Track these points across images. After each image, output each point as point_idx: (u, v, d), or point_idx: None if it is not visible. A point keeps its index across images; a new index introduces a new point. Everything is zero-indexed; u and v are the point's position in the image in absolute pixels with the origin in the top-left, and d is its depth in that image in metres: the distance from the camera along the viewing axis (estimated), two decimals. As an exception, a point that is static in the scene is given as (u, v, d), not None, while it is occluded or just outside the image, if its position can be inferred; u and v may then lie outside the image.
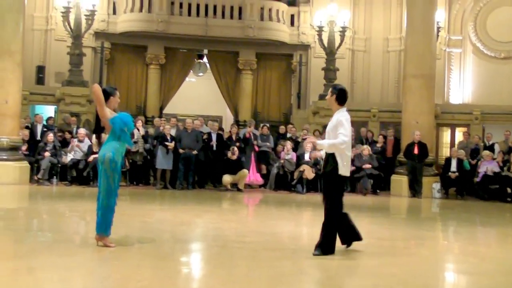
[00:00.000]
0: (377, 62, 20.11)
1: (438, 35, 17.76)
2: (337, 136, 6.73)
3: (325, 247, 6.76)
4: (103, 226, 6.75)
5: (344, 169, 6.82)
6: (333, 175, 6.80)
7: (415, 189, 15.39)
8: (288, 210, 12.51)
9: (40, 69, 18.49)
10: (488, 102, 18.62)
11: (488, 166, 15.52)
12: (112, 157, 6.74)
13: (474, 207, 14.18)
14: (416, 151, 15.45)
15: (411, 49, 16.09)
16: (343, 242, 7.08)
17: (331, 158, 6.81)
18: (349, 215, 7.10)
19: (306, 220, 11.34)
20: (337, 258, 6.75)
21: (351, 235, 7.10)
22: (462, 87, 19.53)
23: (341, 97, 6.95)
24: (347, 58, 19.88)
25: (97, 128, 7.09)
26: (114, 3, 19.52)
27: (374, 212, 12.59)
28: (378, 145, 16.78)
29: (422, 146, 15.51)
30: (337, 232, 6.89)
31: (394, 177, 16.00)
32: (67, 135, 15.62)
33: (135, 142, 14.52)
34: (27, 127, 15.57)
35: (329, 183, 6.89)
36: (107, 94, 6.89)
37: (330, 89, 7.06)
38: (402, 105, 16.58)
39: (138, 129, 14.96)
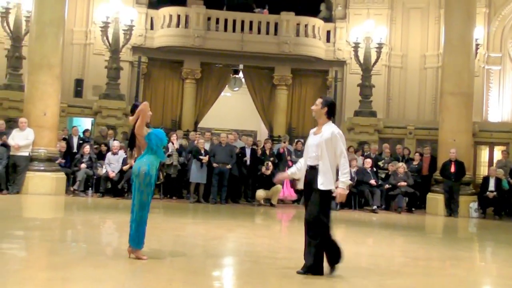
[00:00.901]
0: (413, 79, 19.86)
1: (476, 52, 17.48)
2: (336, 153, 6.45)
3: (314, 268, 6.61)
4: (136, 239, 6.80)
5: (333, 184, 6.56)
6: (325, 191, 6.54)
7: (451, 208, 15.11)
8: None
9: (79, 82, 18.82)
10: (528, 120, 18.27)
11: (527, 186, 15.20)
12: (147, 171, 6.80)
13: (513, 228, 13.87)
14: (452, 169, 15.19)
15: (449, 67, 15.87)
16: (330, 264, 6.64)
17: (320, 174, 6.52)
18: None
19: (339, 237, 11.14)
20: (370, 277, 6.64)
21: (337, 256, 6.67)
22: (501, 104, 19.15)
23: (332, 110, 6.68)
24: (383, 75, 19.72)
25: (131, 143, 7.16)
26: (151, 19, 19.81)
27: (409, 231, 12.37)
28: (414, 163, 16.54)
29: (459, 164, 15.23)
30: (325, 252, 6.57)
31: (430, 196, 15.75)
32: (103, 148, 15.85)
33: (169, 155, 14.65)
34: (64, 139, 15.83)
35: (321, 199, 6.61)
36: (136, 109, 6.96)
37: (320, 101, 6.68)
38: (439, 122, 16.37)
39: (173, 143, 15.07)
